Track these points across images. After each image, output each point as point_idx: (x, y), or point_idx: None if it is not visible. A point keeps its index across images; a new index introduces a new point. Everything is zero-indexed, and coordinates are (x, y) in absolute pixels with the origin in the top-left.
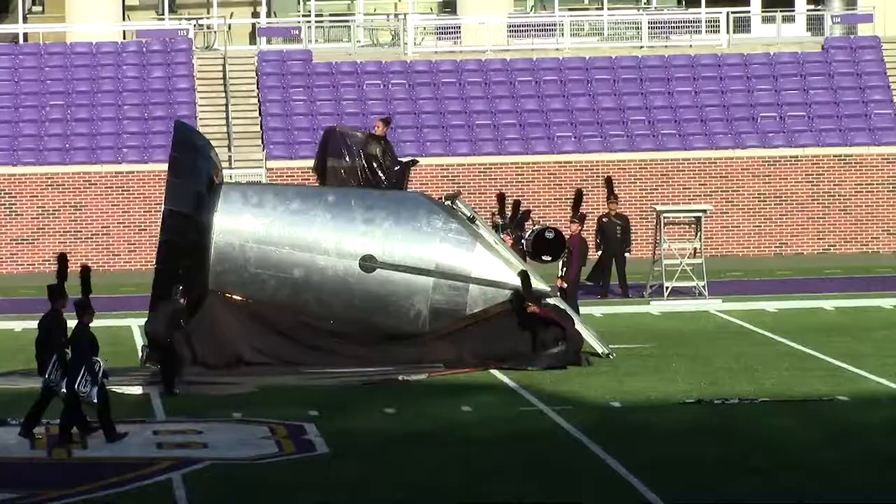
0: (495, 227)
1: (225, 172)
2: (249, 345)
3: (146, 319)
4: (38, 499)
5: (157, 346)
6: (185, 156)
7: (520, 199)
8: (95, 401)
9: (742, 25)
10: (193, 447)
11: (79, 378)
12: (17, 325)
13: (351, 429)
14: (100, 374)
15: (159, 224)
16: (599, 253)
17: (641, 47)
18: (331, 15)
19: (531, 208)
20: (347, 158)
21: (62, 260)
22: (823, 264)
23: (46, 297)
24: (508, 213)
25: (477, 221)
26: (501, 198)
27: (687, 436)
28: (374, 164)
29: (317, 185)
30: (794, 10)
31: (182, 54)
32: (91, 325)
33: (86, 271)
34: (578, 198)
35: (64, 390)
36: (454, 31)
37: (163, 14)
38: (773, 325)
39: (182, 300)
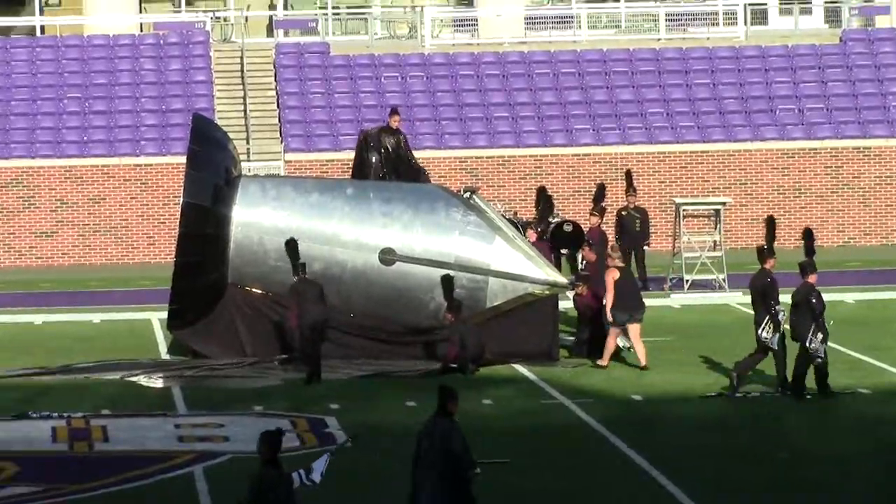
0: (519, 224)
1: (243, 165)
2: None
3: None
4: (61, 492)
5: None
6: (204, 148)
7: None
8: (775, 347)
9: (759, 17)
10: (215, 440)
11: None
12: (38, 319)
13: (371, 422)
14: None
15: (178, 217)
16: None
17: (659, 39)
18: (348, 7)
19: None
20: (372, 157)
21: (770, 224)
22: (843, 257)
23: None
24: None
25: (492, 216)
26: (542, 192)
27: (708, 428)
28: (391, 156)
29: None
30: (811, 3)
31: (199, 47)
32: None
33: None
34: (600, 191)
35: (775, 346)
36: (471, 24)
37: (179, 6)
38: None
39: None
